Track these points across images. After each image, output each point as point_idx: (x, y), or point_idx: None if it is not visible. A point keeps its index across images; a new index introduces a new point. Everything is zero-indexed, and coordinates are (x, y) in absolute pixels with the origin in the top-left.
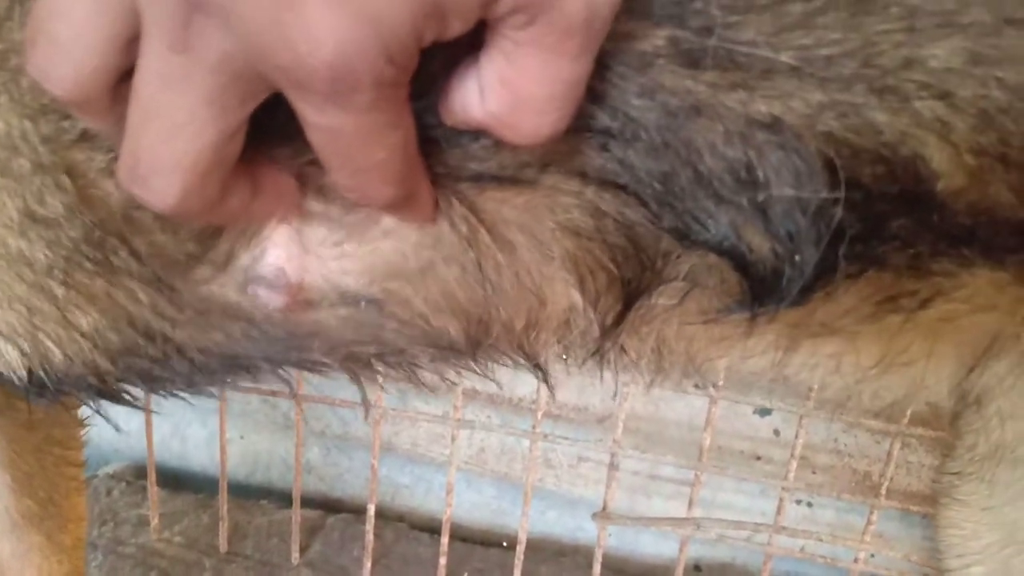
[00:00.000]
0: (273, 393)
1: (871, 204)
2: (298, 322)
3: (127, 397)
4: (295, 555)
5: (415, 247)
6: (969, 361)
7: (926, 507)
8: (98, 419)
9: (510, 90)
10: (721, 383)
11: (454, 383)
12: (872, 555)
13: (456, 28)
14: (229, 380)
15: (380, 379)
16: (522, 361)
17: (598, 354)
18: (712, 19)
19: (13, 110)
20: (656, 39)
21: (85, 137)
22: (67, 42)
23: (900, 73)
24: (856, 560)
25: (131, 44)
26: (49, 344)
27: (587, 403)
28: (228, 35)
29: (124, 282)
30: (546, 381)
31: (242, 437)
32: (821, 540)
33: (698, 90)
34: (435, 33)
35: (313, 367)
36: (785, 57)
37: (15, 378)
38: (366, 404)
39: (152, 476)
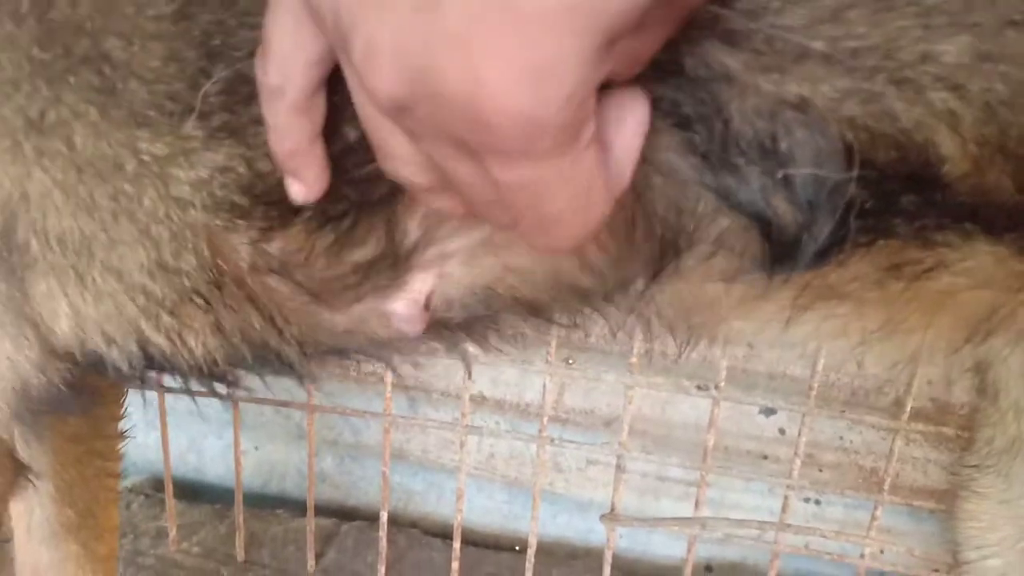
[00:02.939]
0: (286, 404)
1: (883, 183)
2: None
3: (229, 379)
4: (311, 563)
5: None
6: (966, 335)
7: (932, 502)
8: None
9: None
10: (723, 384)
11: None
12: (882, 551)
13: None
14: (326, 362)
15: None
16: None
17: (631, 318)
18: (759, 4)
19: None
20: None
21: (231, 219)
22: (278, 55)
23: (917, 66)
24: (862, 556)
25: (323, 61)
26: (159, 347)
27: (593, 406)
28: (427, 126)
29: (236, 316)
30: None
31: (257, 448)
32: (824, 537)
33: (733, 65)
34: (604, 74)
35: (412, 349)
36: (818, 45)
37: (126, 367)
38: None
39: (169, 488)
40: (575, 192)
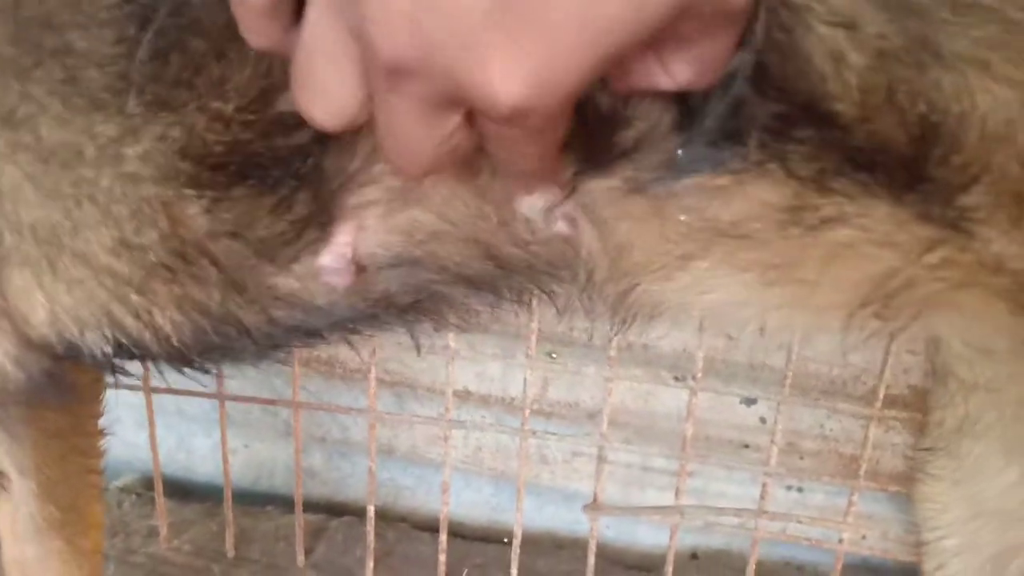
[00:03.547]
0: (272, 402)
1: (782, 101)
2: (354, 290)
3: (207, 368)
4: (300, 558)
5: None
6: (862, 297)
7: (906, 487)
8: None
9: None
10: (700, 375)
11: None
12: (864, 536)
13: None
14: (292, 346)
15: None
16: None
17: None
18: None
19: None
20: None
21: (179, 187)
22: (324, 95)
23: None
24: (840, 541)
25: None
26: (129, 330)
27: (577, 399)
28: (425, 90)
29: (200, 285)
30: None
31: (246, 446)
32: (800, 523)
33: None
34: (602, 75)
35: (368, 325)
36: None
37: (100, 354)
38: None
39: (159, 487)
40: (548, 145)
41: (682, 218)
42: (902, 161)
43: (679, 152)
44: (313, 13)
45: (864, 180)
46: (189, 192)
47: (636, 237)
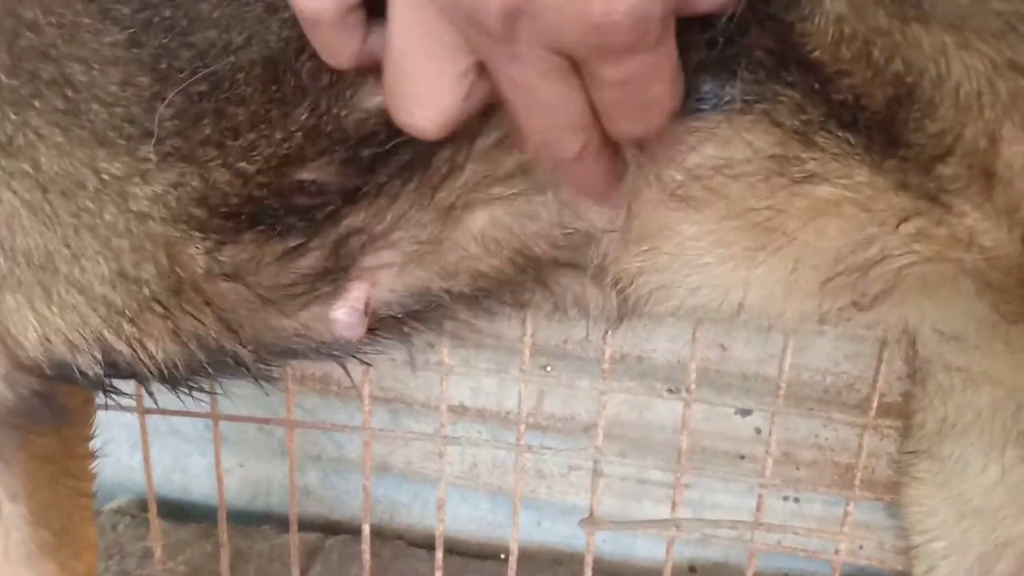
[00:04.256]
0: (266, 421)
1: (775, 33)
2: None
3: (200, 388)
4: None
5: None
6: (839, 263)
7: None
8: (101, 455)
9: None
10: (693, 386)
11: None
12: (861, 546)
13: None
14: (281, 365)
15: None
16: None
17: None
18: None
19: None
20: None
21: (187, 230)
22: (425, 94)
23: None
24: (837, 552)
25: (475, 75)
26: (121, 355)
27: (573, 412)
28: (542, 34)
29: (194, 321)
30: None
31: (241, 465)
32: (796, 534)
33: None
34: None
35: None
36: None
37: (92, 374)
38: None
39: (153, 508)
40: (670, 72)
41: (678, 177)
42: (880, 122)
43: (705, 87)
44: (399, 12)
45: (848, 140)
46: (196, 235)
47: (639, 206)
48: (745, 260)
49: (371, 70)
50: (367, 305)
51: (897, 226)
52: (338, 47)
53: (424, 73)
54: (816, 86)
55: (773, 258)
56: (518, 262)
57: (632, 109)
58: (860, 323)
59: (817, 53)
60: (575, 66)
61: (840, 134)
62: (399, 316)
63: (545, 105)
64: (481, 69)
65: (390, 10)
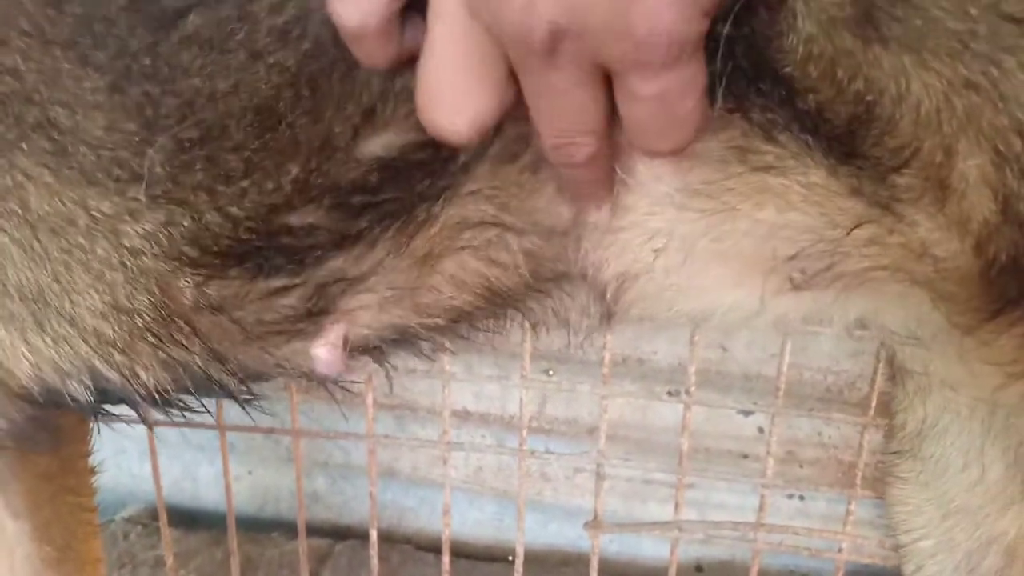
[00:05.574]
0: (271, 430)
1: (750, 52)
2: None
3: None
4: None
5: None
6: (791, 246)
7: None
8: (112, 466)
9: None
10: (693, 388)
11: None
12: (863, 544)
13: None
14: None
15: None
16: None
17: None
18: None
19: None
20: None
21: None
22: (464, 102)
23: None
24: (840, 550)
25: (506, 82)
26: (111, 383)
27: (576, 415)
28: (585, 51)
29: (182, 351)
30: None
31: (250, 473)
32: (797, 534)
33: None
34: None
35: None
36: None
37: (83, 400)
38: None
39: (163, 517)
40: (701, 89)
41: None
42: (839, 136)
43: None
44: (441, 26)
45: (807, 142)
46: (187, 270)
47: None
48: (691, 234)
49: (404, 65)
50: (346, 342)
51: (850, 231)
52: (378, 54)
53: (464, 82)
54: (785, 96)
55: (716, 231)
56: (492, 298)
57: (664, 124)
58: (843, 322)
59: (788, 69)
60: (606, 75)
61: (801, 137)
62: (377, 345)
63: (570, 111)
64: (513, 73)
65: (431, 22)
